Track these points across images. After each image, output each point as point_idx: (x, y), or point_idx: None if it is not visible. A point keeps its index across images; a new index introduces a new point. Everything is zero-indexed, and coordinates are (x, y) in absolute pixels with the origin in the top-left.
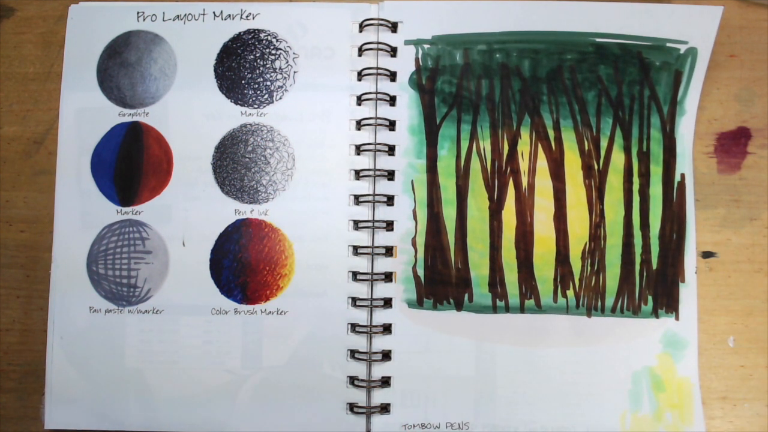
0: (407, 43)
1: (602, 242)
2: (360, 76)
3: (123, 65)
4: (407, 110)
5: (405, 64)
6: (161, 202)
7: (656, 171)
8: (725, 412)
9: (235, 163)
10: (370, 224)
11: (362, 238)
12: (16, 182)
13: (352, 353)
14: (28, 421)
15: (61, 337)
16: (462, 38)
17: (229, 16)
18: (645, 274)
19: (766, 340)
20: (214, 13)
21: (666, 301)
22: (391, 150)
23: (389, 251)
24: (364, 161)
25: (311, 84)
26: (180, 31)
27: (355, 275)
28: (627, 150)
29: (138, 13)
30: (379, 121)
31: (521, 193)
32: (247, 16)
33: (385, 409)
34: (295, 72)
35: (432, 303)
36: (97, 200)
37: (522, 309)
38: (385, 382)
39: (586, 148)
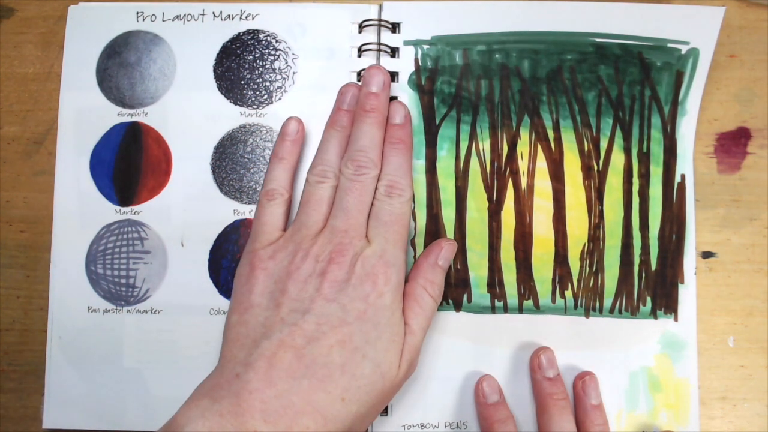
0: (406, 43)
1: (601, 243)
2: (360, 76)
3: (122, 65)
4: None
5: (405, 64)
6: (160, 202)
7: (656, 172)
8: (725, 412)
9: (234, 164)
10: None
11: None
12: (16, 182)
13: None
14: (27, 421)
15: (59, 337)
16: (461, 38)
17: (229, 16)
18: (644, 275)
19: (766, 340)
20: (213, 13)
21: (665, 302)
22: None
23: None
24: None
25: (311, 85)
26: (179, 31)
27: None
28: (627, 151)
29: (137, 13)
30: None
31: (520, 194)
32: (246, 17)
33: (384, 409)
34: (294, 73)
35: None
36: (96, 200)
37: (520, 310)
38: None
39: (586, 148)
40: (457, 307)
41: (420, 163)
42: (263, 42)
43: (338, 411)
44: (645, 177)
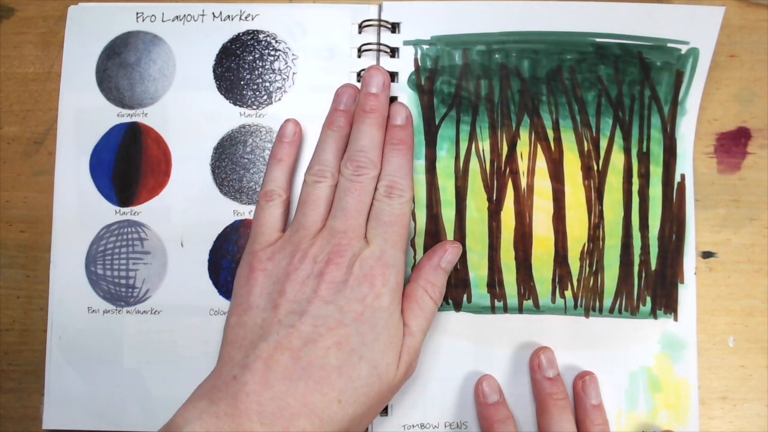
0: (406, 43)
1: (601, 243)
2: (359, 77)
3: (122, 66)
4: None
5: (404, 64)
6: (160, 202)
7: (656, 172)
8: (725, 412)
9: (234, 164)
10: None
11: None
12: (16, 182)
13: None
14: (27, 421)
15: (59, 338)
16: (461, 38)
17: (228, 17)
18: (644, 274)
19: (766, 340)
20: (213, 14)
21: (665, 302)
22: None
23: None
24: None
25: (310, 85)
26: (179, 31)
27: None
28: (627, 150)
29: (137, 13)
30: None
31: (520, 194)
32: (246, 17)
33: (384, 409)
34: (294, 73)
35: None
36: (96, 200)
37: (520, 310)
38: None
39: (586, 148)
40: (457, 307)
41: (420, 163)
42: (263, 42)
43: (335, 413)
44: (645, 177)
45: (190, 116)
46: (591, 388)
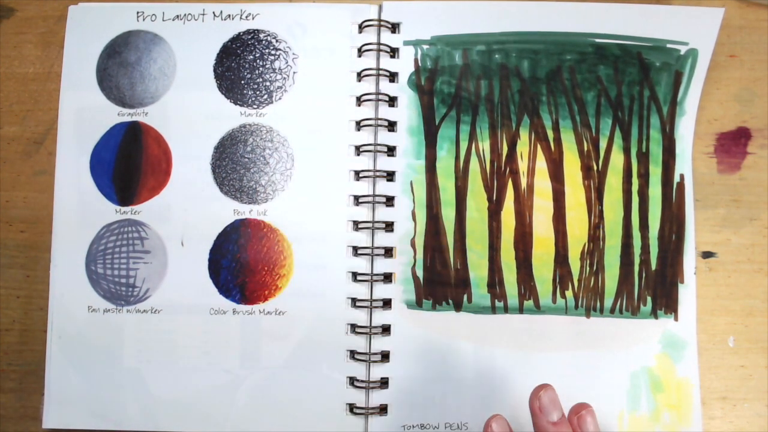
0: (406, 43)
1: (601, 243)
2: (360, 76)
3: (122, 65)
4: (406, 111)
5: (405, 64)
6: (160, 201)
7: (655, 172)
8: (725, 412)
9: (234, 164)
10: (369, 225)
11: (361, 238)
12: (16, 182)
13: (352, 354)
14: (27, 421)
15: (59, 337)
16: (461, 38)
17: (229, 16)
18: (644, 274)
19: (766, 340)
20: (213, 13)
21: (665, 302)
22: (390, 151)
23: (389, 252)
24: (364, 162)
25: (311, 85)
26: (180, 31)
27: (354, 276)
28: (626, 151)
29: (138, 13)
30: (378, 122)
31: (520, 194)
32: (246, 17)
33: (383, 410)
34: (294, 72)
35: (431, 304)
36: (96, 200)
37: (521, 310)
38: (384, 383)
39: (586, 148)
40: (458, 307)
41: (420, 163)
42: (263, 42)
43: None
44: (644, 177)
45: (190, 115)
46: (588, 423)
